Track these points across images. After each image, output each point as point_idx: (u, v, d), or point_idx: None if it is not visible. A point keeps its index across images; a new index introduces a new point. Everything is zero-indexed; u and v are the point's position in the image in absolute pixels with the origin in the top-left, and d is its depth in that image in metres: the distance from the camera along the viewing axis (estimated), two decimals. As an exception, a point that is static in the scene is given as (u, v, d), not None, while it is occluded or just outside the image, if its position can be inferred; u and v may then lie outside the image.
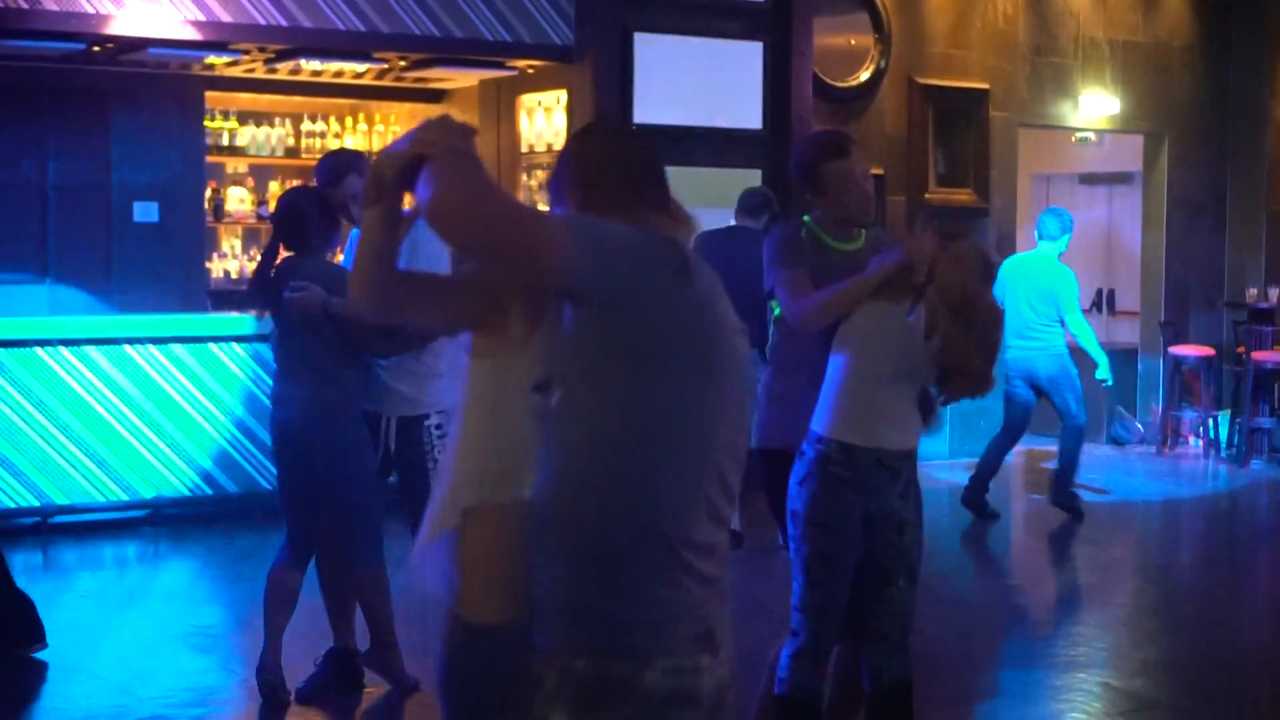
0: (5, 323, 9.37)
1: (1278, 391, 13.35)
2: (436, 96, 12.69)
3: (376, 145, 12.83)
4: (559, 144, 11.54)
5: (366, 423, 6.11)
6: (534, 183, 11.92)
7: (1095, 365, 10.46)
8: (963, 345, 4.57)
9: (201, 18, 9.68)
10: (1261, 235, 14.33)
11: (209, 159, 12.07)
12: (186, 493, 9.61)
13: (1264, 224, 14.32)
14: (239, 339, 9.72)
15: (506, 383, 3.04)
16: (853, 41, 12.46)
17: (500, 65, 11.40)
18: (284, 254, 6.15)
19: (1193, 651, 7.35)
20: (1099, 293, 15.63)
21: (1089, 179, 16.00)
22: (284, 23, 9.97)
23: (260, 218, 12.47)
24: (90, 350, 9.38)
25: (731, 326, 2.79)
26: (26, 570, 8.16)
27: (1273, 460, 13.02)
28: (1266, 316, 13.38)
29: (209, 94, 11.86)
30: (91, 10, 9.40)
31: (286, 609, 6.08)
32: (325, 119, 12.72)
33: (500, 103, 12.16)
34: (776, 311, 5.03)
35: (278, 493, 6.20)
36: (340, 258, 7.01)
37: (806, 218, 5.08)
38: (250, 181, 12.63)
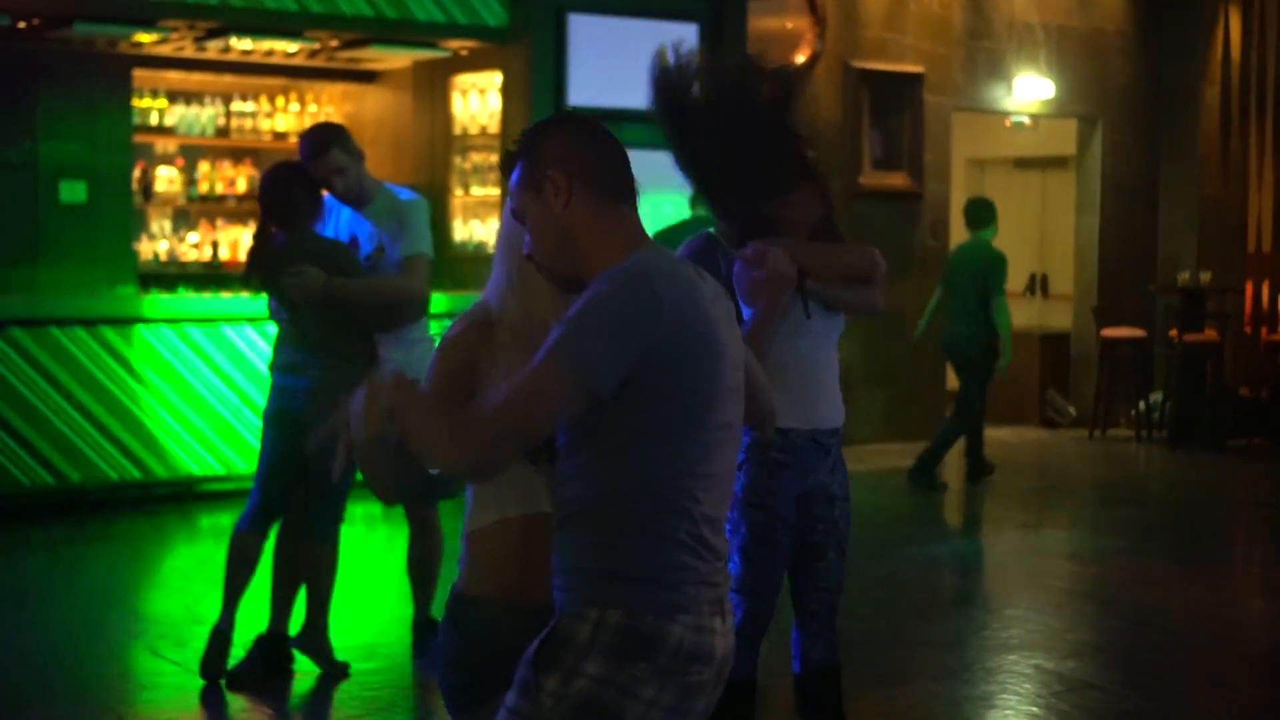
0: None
1: (1209, 374, 13.45)
2: (369, 77, 12.58)
3: (307, 125, 12.69)
4: (493, 126, 11.47)
5: None
6: (468, 165, 11.85)
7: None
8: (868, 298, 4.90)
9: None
10: (1194, 219, 14.42)
11: (137, 139, 11.91)
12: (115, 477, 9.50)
13: (1196, 208, 14.42)
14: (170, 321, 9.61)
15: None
16: (788, 24, 12.43)
17: (433, 46, 11.31)
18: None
19: (1124, 634, 7.37)
20: (1032, 277, 15.69)
21: (1023, 163, 16.06)
22: (214, 0, 9.85)
23: (190, 199, 12.33)
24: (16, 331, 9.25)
25: (725, 313, 2.92)
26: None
27: (1203, 442, 13.11)
28: (1198, 299, 13.47)
29: (137, 72, 11.69)
30: (16, -14, 9.26)
31: (246, 571, 6.13)
32: (256, 98, 12.58)
33: (434, 84, 12.07)
34: None
35: (262, 457, 6.20)
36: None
37: (711, 229, 5.10)
38: (180, 161, 12.48)
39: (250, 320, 9.78)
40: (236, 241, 12.41)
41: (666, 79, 4.14)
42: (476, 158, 11.78)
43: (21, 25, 10.17)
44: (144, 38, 10.93)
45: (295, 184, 6.12)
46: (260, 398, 7.71)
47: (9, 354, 9.21)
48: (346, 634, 6.63)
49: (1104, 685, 6.46)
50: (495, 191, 11.43)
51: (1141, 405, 13.65)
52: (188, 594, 7.65)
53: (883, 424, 12.84)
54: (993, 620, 7.59)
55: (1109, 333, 13.66)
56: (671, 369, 2.77)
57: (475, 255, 11.45)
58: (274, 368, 6.22)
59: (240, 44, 11.36)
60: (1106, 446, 12.88)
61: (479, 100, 11.76)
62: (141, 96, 12.01)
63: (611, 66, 11.08)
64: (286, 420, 6.08)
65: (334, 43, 11.30)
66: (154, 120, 12.20)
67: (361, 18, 10.49)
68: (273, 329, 6.36)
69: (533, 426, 2.76)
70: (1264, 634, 7.69)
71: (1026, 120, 14.60)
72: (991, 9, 13.53)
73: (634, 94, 12.29)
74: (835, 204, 5.01)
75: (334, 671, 6.24)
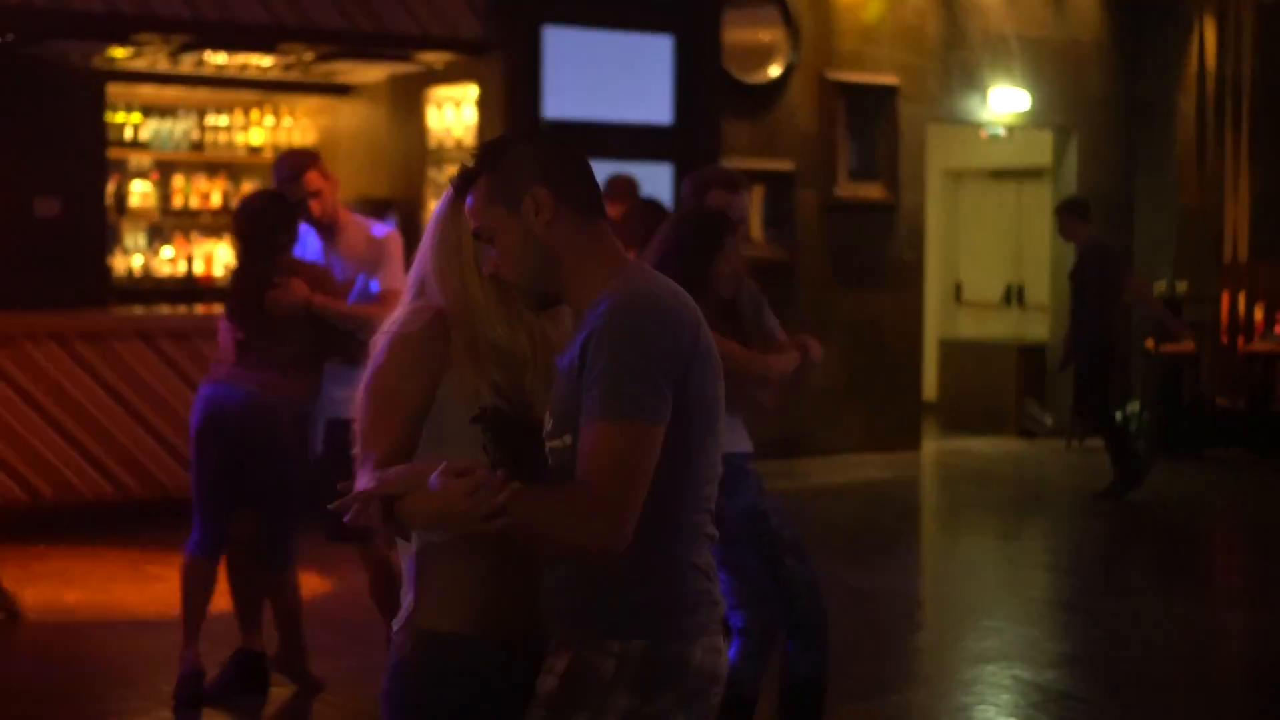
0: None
1: (1186, 384, 13.46)
2: (344, 90, 12.55)
3: (282, 140, 12.69)
4: (469, 139, 11.45)
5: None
6: (443, 178, 11.82)
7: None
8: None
9: (103, 9, 9.51)
10: (1170, 230, 14.44)
11: (111, 153, 11.87)
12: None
13: (1172, 218, 14.44)
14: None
15: (447, 418, 2.89)
16: (763, 36, 12.43)
17: (408, 59, 11.29)
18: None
19: (1103, 644, 7.36)
20: (1009, 288, 15.71)
21: (999, 174, 16.08)
22: (187, 14, 9.82)
23: (165, 213, 12.29)
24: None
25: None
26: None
27: (1181, 452, 13.12)
28: (1175, 309, 13.48)
29: (111, 87, 11.65)
30: (-12, 0, 9.21)
31: (204, 596, 6.07)
32: (230, 112, 12.55)
33: (409, 97, 12.05)
34: None
35: (197, 478, 6.09)
36: None
37: None
38: (154, 176, 12.45)
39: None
40: (211, 255, 12.37)
41: None
42: (452, 171, 11.74)
43: (-6, 40, 10.14)
44: (118, 52, 10.90)
45: (272, 213, 6.09)
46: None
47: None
48: (322, 651, 6.59)
49: (1083, 696, 6.45)
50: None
51: (1119, 416, 13.65)
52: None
53: (861, 435, 12.82)
54: (970, 630, 7.58)
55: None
56: (692, 386, 2.71)
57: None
58: (212, 382, 6.11)
59: (214, 58, 11.33)
60: (1084, 456, 12.88)
61: (454, 113, 11.74)
62: (115, 111, 11.98)
63: (587, 79, 11.07)
64: (217, 434, 6.00)
65: (308, 56, 11.27)
66: (128, 135, 12.17)
67: (336, 31, 10.45)
68: None
69: (644, 486, 2.64)
70: (1243, 644, 7.70)
71: (1002, 131, 14.62)
72: (966, 20, 13.54)
73: (610, 106, 12.39)
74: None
75: (311, 688, 6.20)
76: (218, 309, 9.59)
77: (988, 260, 16.13)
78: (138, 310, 10.03)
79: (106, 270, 11.68)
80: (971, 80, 13.64)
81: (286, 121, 12.75)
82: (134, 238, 12.39)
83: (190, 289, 11.98)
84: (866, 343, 12.69)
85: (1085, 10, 14.25)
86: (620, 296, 2.71)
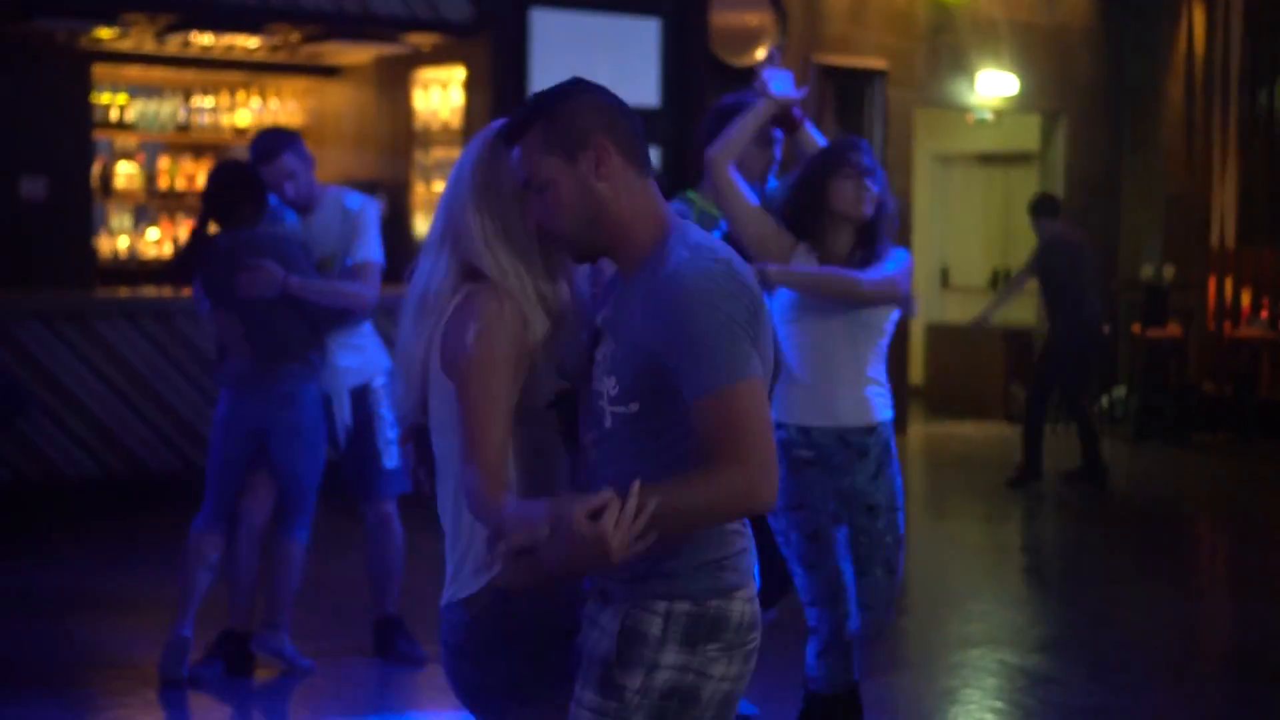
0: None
1: (1172, 369, 13.48)
2: (331, 72, 12.52)
3: (269, 122, 12.65)
4: (456, 121, 11.42)
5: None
6: (430, 160, 11.79)
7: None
8: None
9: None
10: (1157, 215, 14.45)
11: (97, 134, 11.83)
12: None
13: (1159, 204, 14.44)
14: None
15: (525, 403, 2.92)
16: (750, 20, 12.40)
17: (395, 40, 11.26)
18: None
19: (1087, 629, 7.37)
20: (995, 272, 15.71)
21: (986, 159, 16.08)
22: (174, -6, 9.79)
23: (151, 194, 12.25)
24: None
25: None
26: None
27: (1166, 437, 13.14)
28: (1162, 294, 13.49)
29: (97, 67, 11.61)
30: (-27, -21, 9.18)
31: (206, 573, 6.09)
32: (217, 94, 12.51)
33: (396, 79, 12.02)
34: None
35: (215, 459, 6.16)
36: None
37: (690, 193, 5.09)
38: (140, 157, 12.41)
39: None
40: (197, 237, 12.32)
41: None
42: (439, 153, 11.72)
43: (-21, 19, 10.10)
44: (104, 33, 10.85)
45: (241, 183, 6.07)
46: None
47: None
48: (307, 633, 6.58)
49: (1067, 680, 6.46)
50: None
51: (1105, 400, 13.67)
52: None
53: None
54: (955, 615, 7.58)
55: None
56: (760, 345, 2.75)
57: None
58: (227, 378, 6.15)
59: (201, 39, 11.29)
60: (1069, 441, 12.88)
61: (441, 95, 11.71)
62: (101, 92, 11.94)
63: (574, 60, 11.02)
64: (245, 433, 6.09)
65: (295, 37, 11.23)
66: (114, 116, 12.14)
67: (323, 12, 10.42)
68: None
69: (770, 434, 2.71)
70: (1228, 629, 7.71)
71: (989, 116, 14.61)
72: (955, 3, 13.52)
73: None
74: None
75: (295, 670, 6.19)
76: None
77: (975, 245, 16.13)
78: (123, 291, 9.99)
79: (92, 251, 11.66)
80: (959, 64, 13.63)
81: (273, 103, 12.71)
82: (119, 219, 12.36)
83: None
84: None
85: (1073, -5, 14.24)
86: (687, 261, 2.73)
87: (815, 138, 5.14)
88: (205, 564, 6.10)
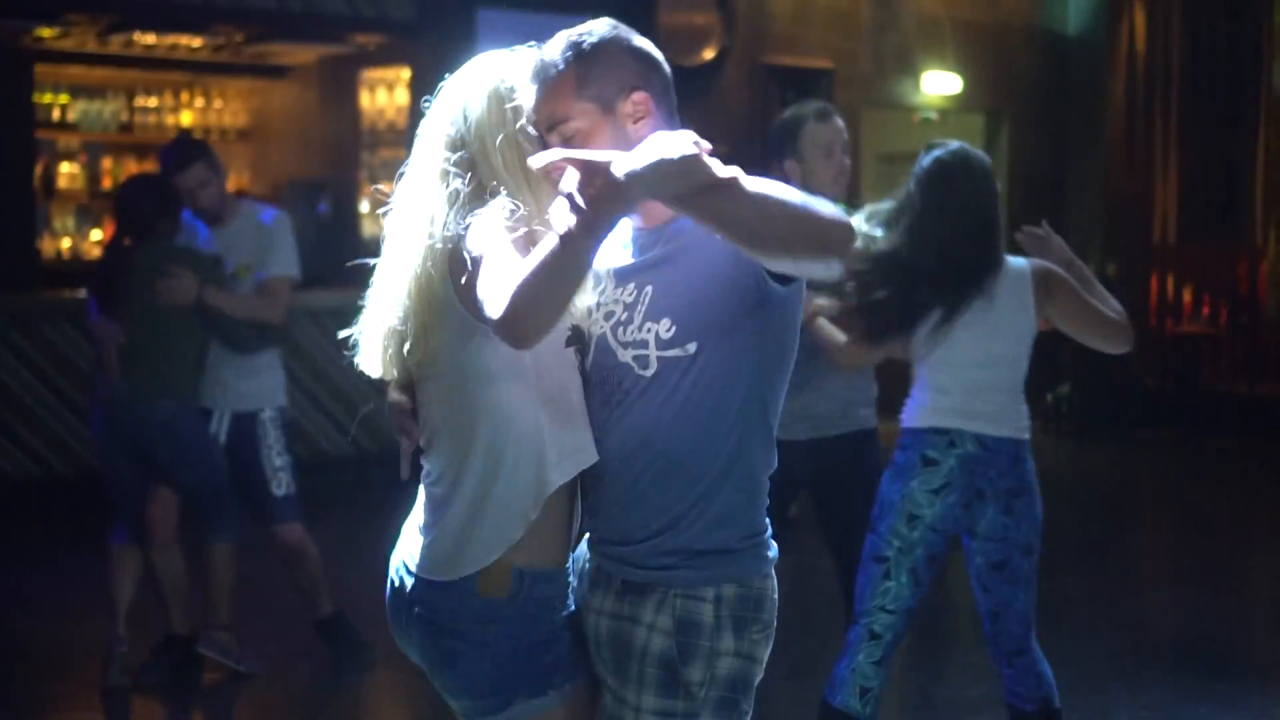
0: None
1: (1115, 366, 13.58)
2: (276, 72, 12.46)
3: (213, 121, 12.59)
4: (402, 121, 11.39)
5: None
6: (376, 160, 11.76)
7: None
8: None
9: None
10: (1100, 212, 14.55)
11: (39, 134, 11.73)
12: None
13: (1102, 201, 14.54)
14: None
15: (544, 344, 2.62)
16: (697, 20, 12.43)
17: (340, 40, 11.22)
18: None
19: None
20: (941, 270, 15.77)
21: (931, 158, 16.11)
22: (116, -7, 9.73)
23: (93, 195, 12.17)
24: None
25: None
26: None
27: (1110, 434, 13.23)
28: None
29: (39, 67, 11.52)
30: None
31: (129, 583, 6.05)
32: (160, 94, 12.43)
33: (341, 79, 11.98)
34: None
35: (109, 483, 6.13)
36: None
37: None
38: (83, 158, 12.32)
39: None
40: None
41: None
42: (385, 153, 11.69)
43: (-81, 19, 10.01)
44: (45, 32, 10.78)
45: (154, 195, 6.04)
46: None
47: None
48: (254, 635, 6.55)
49: (1013, 673, 6.48)
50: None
51: (1048, 397, 13.76)
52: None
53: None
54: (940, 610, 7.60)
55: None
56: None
57: (385, 251, 11.36)
58: (99, 398, 6.08)
59: (144, 38, 11.22)
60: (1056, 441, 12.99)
61: (387, 96, 11.68)
62: (43, 92, 11.84)
63: (520, 61, 11.04)
64: (128, 453, 6.03)
65: (239, 37, 11.19)
66: (56, 116, 12.03)
67: (267, 12, 10.38)
68: None
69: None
70: (1171, 622, 7.77)
71: (934, 115, 14.68)
72: (899, 3, 13.58)
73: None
74: None
75: (244, 671, 6.16)
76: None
77: (920, 243, 16.16)
78: (66, 293, 9.91)
79: (35, 252, 11.55)
80: (904, 64, 13.68)
81: (217, 103, 12.64)
82: (62, 220, 12.26)
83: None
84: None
85: (1016, -6, 14.33)
86: None
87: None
88: (130, 576, 6.07)
